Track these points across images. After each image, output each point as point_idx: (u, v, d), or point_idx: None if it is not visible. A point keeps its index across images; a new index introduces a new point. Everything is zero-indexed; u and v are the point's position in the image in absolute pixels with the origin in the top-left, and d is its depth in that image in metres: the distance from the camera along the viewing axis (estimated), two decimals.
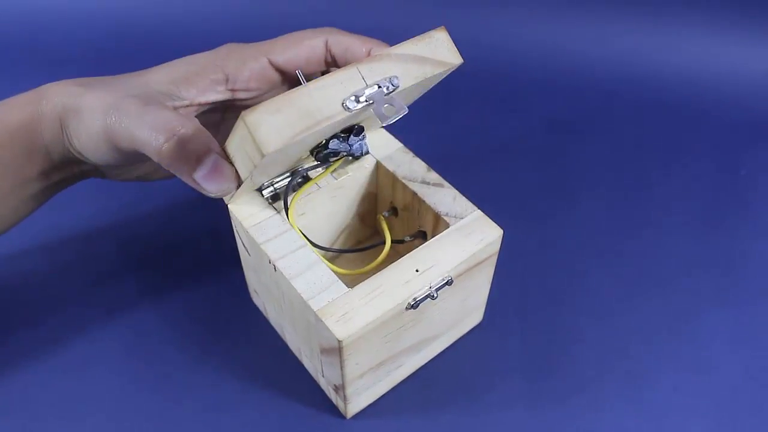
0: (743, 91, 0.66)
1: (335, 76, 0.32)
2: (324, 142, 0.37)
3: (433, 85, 0.38)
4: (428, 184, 0.41)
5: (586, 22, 0.70)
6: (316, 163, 0.40)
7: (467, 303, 0.42)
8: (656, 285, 0.50)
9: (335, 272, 0.36)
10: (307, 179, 0.41)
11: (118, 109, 0.34)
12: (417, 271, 0.36)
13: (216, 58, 0.38)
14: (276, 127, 0.30)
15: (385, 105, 0.33)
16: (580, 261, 0.51)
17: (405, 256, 0.37)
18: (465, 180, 0.43)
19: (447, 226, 0.39)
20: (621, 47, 0.70)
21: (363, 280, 0.36)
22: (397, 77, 0.33)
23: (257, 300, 0.46)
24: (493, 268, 0.41)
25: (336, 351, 0.35)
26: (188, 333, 0.46)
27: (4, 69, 0.66)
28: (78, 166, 0.40)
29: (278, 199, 0.40)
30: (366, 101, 0.33)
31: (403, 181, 0.41)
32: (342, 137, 0.38)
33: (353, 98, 0.32)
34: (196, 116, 0.39)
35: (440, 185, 0.41)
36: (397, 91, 0.34)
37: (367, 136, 0.41)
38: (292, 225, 0.38)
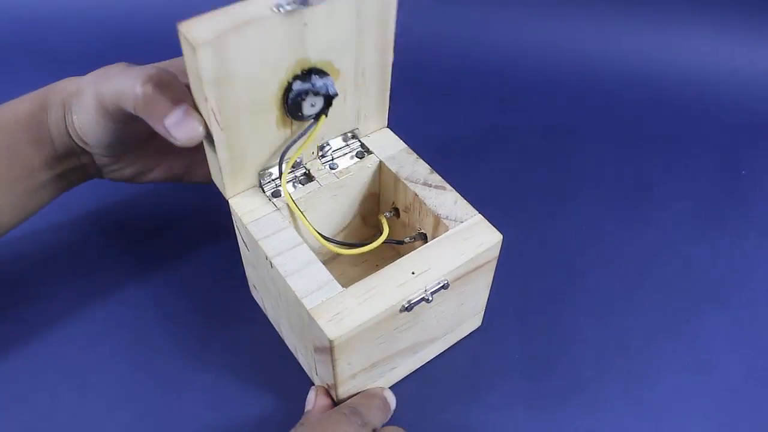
0: (744, 91, 0.66)
1: None
2: (288, 84, 0.36)
3: None
4: (430, 186, 0.41)
5: (587, 22, 0.70)
6: (302, 133, 0.38)
7: (465, 307, 0.42)
8: (656, 285, 0.50)
9: (325, 245, 0.37)
10: (310, 178, 0.41)
11: (106, 71, 0.39)
12: (413, 273, 0.36)
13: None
14: (206, 27, 0.30)
15: None
16: (580, 261, 0.51)
17: (401, 258, 0.37)
18: (465, 179, 0.43)
19: (447, 229, 0.39)
20: (621, 47, 0.69)
21: (356, 276, 0.35)
22: None
23: (256, 295, 0.47)
24: (492, 273, 0.41)
25: (328, 350, 0.34)
26: (187, 328, 0.46)
27: (4, 69, 0.66)
28: (78, 158, 0.42)
29: (279, 195, 0.40)
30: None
31: (405, 182, 0.41)
32: (303, 77, 0.36)
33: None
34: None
35: (442, 188, 0.41)
36: None
37: (334, 80, 0.38)
38: (292, 209, 0.38)
